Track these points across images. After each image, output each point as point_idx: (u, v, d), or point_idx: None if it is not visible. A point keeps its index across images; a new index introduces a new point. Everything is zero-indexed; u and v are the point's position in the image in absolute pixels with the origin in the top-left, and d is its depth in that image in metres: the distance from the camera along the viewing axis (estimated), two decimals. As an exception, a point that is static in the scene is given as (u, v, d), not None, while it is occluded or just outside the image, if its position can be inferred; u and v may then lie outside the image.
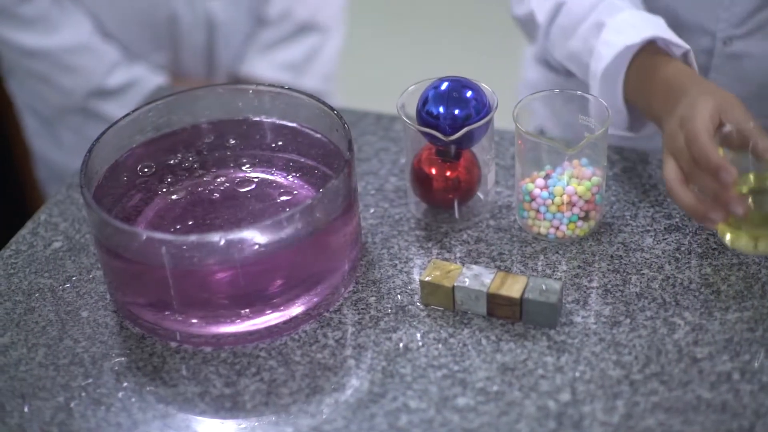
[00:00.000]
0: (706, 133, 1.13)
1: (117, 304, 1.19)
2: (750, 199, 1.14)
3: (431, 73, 1.29)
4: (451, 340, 1.13)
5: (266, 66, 2.02)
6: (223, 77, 2.01)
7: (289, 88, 1.27)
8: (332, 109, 1.21)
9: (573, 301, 1.16)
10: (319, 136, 1.25)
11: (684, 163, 1.15)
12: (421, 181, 1.26)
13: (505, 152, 1.39)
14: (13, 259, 1.27)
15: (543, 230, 1.23)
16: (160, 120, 1.27)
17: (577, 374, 1.08)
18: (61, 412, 1.09)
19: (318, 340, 1.14)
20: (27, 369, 1.13)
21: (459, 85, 1.20)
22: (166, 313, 1.14)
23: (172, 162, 1.25)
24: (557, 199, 1.21)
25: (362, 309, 1.17)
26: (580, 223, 1.22)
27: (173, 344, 1.15)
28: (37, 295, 1.22)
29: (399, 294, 1.19)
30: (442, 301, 1.16)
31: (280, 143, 1.26)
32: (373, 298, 1.19)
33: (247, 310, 1.13)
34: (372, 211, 1.30)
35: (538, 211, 1.22)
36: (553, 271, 1.20)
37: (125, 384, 1.11)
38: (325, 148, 1.24)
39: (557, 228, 1.23)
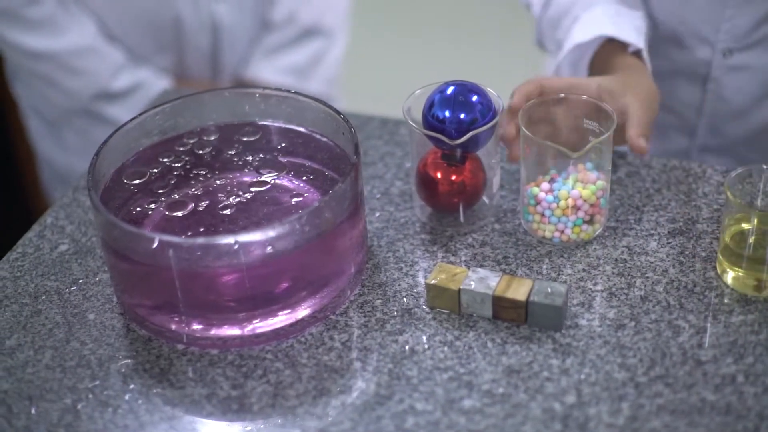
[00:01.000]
0: (527, 87, 1.25)
1: (123, 307, 1.19)
2: (752, 240, 1.15)
3: (436, 77, 1.30)
4: (457, 342, 1.13)
5: (271, 70, 2.02)
6: (227, 81, 2.02)
7: (295, 92, 1.27)
8: (339, 112, 1.22)
9: (578, 304, 1.16)
10: (325, 139, 1.26)
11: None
12: (427, 185, 1.26)
13: (510, 156, 1.39)
14: (20, 262, 1.28)
15: (548, 234, 1.23)
16: (167, 123, 1.28)
17: (583, 377, 1.09)
18: (68, 414, 1.09)
19: (324, 342, 1.15)
20: (34, 371, 1.14)
21: (465, 89, 1.21)
22: (173, 315, 1.14)
23: (178, 165, 1.25)
24: (562, 203, 1.21)
25: (368, 312, 1.18)
26: (584, 226, 1.23)
27: (180, 346, 1.15)
28: (43, 297, 1.22)
29: (405, 297, 1.19)
30: (448, 304, 1.16)
31: (286, 147, 1.27)
32: (379, 301, 1.19)
33: (254, 313, 1.13)
34: (377, 214, 1.31)
35: (543, 214, 1.23)
36: (558, 274, 1.21)
37: (132, 386, 1.12)
38: (331, 151, 1.24)
39: (562, 231, 1.23)
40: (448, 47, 3.57)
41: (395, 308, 1.18)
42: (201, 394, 1.10)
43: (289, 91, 1.28)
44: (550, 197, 1.22)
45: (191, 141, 1.28)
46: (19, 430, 1.08)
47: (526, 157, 1.23)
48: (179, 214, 1.19)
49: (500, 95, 1.22)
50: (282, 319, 1.14)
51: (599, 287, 1.18)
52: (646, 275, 1.19)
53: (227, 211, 1.19)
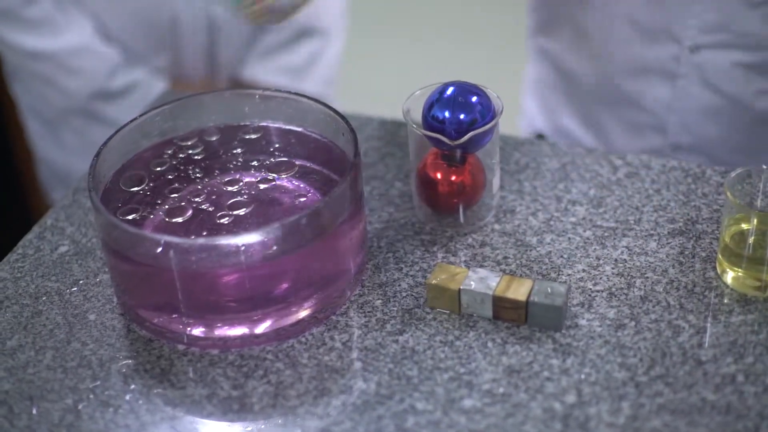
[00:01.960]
0: None
1: (124, 308, 1.20)
2: (751, 240, 1.15)
3: (436, 78, 1.30)
4: (457, 342, 1.14)
5: (267, 70, 2.02)
6: (224, 81, 2.02)
7: (295, 93, 1.27)
8: (338, 113, 1.22)
9: (578, 304, 1.17)
10: (325, 140, 1.26)
11: None
12: (427, 186, 1.26)
13: (510, 157, 1.39)
14: (20, 263, 1.28)
15: None
16: (166, 124, 1.28)
17: (583, 376, 1.09)
18: (69, 414, 1.09)
19: (325, 342, 1.15)
20: (35, 371, 1.14)
21: (464, 89, 1.21)
22: (174, 315, 1.14)
23: (178, 166, 1.25)
24: None
25: (368, 312, 1.18)
26: None
27: (180, 347, 1.15)
28: (44, 298, 1.23)
29: (405, 297, 1.19)
30: (448, 304, 1.17)
31: (286, 148, 1.27)
32: (380, 301, 1.19)
33: (255, 313, 1.13)
34: (377, 215, 1.31)
35: None
36: (558, 274, 1.21)
37: (133, 386, 1.12)
38: (331, 152, 1.24)
39: None
40: (447, 48, 3.57)
41: (395, 308, 1.18)
42: (202, 395, 1.10)
43: (289, 93, 1.28)
44: None
45: (191, 142, 1.28)
46: (21, 431, 1.08)
47: None
48: (179, 214, 1.19)
49: (499, 96, 1.23)
50: (282, 319, 1.14)
51: (599, 287, 1.19)
52: (646, 275, 1.20)
53: (227, 212, 1.19)
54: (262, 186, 1.22)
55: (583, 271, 1.21)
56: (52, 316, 1.20)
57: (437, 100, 1.21)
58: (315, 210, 1.11)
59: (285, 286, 1.14)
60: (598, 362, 1.10)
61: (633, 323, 1.14)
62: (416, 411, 1.07)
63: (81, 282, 1.24)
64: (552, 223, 1.28)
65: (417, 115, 1.23)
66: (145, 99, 1.89)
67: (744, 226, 1.17)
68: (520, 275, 1.21)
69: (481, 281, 1.16)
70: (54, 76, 1.91)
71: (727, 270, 1.17)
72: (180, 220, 1.18)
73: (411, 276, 1.22)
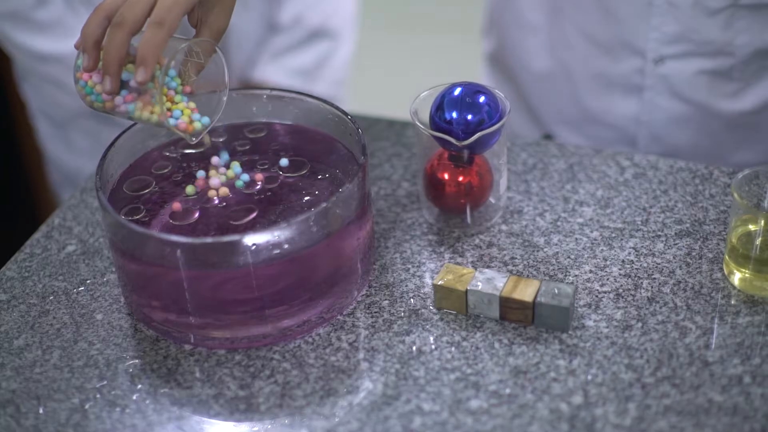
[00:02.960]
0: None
1: (131, 307, 1.20)
2: (759, 241, 1.15)
3: (444, 79, 1.30)
4: (464, 343, 1.14)
5: (278, 72, 2.03)
6: (234, 82, 2.02)
7: (303, 93, 1.27)
8: (346, 114, 1.22)
9: (585, 305, 1.16)
10: (333, 140, 1.26)
11: None
12: (434, 186, 1.26)
13: (517, 157, 1.39)
14: (28, 263, 1.28)
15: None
16: (174, 124, 1.28)
17: (589, 377, 1.09)
18: (76, 414, 1.09)
19: (332, 342, 1.15)
20: (42, 371, 1.14)
21: (472, 90, 1.21)
22: (181, 315, 1.14)
23: (185, 166, 1.25)
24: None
25: (375, 312, 1.18)
26: None
27: (187, 347, 1.16)
28: (51, 298, 1.23)
29: (412, 298, 1.19)
30: (455, 304, 1.17)
31: (293, 148, 1.27)
32: (386, 301, 1.19)
33: (261, 313, 1.13)
34: (385, 215, 1.31)
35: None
36: (565, 275, 1.21)
37: (140, 386, 1.12)
38: (339, 153, 1.24)
39: None
40: (455, 49, 3.57)
41: (402, 309, 1.18)
42: (208, 394, 1.10)
43: (296, 93, 1.28)
44: None
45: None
46: (28, 430, 1.08)
47: None
48: (187, 214, 1.19)
49: (506, 97, 1.23)
50: (289, 319, 1.14)
51: (606, 288, 1.18)
52: (653, 276, 1.19)
53: (234, 212, 1.19)
54: (269, 186, 1.22)
55: (590, 272, 1.21)
56: (59, 316, 1.20)
57: (445, 100, 1.21)
58: (322, 210, 1.11)
59: (292, 286, 1.14)
60: (604, 363, 1.10)
61: (640, 324, 1.14)
62: (423, 411, 1.07)
63: (88, 281, 1.25)
64: (559, 223, 1.28)
65: (424, 115, 1.23)
66: (155, 101, 1.89)
67: (751, 227, 1.16)
68: (527, 276, 1.21)
69: (488, 282, 1.16)
70: (64, 78, 1.91)
71: (735, 271, 1.17)
72: (185, 218, 1.18)
73: (418, 276, 1.22)
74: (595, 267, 1.21)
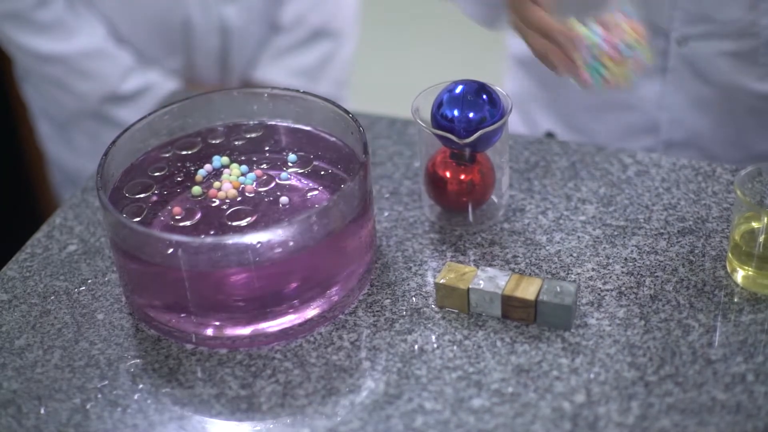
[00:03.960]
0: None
1: (132, 307, 1.19)
2: (762, 238, 1.14)
3: (445, 76, 1.30)
4: (466, 342, 1.13)
5: (280, 72, 2.02)
6: (236, 83, 2.02)
7: (304, 92, 1.27)
8: (347, 112, 1.22)
9: (587, 304, 1.16)
10: (333, 139, 1.26)
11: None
12: (436, 185, 1.26)
13: (519, 155, 1.39)
14: (29, 262, 1.28)
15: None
16: (175, 123, 1.28)
17: (592, 376, 1.08)
18: (78, 414, 1.09)
19: (333, 342, 1.15)
20: (43, 371, 1.14)
21: (473, 88, 1.21)
22: (182, 315, 1.14)
23: (186, 165, 1.25)
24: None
25: (377, 311, 1.18)
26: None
27: (189, 346, 1.15)
28: (52, 297, 1.23)
29: (414, 296, 1.19)
30: (457, 303, 1.16)
31: (294, 147, 1.27)
32: (388, 300, 1.19)
33: (263, 312, 1.13)
34: (386, 214, 1.31)
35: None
36: (568, 273, 1.20)
37: (141, 386, 1.12)
38: (340, 151, 1.24)
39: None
40: (456, 47, 3.57)
41: (404, 308, 1.18)
42: (210, 394, 1.10)
43: (297, 91, 1.28)
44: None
45: (199, 141, 1.28)
46: (29, 430, 1.08)
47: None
48: (188, 213, 1.18)
49: (508, 95, 1.22)
50: (291, 318, 1.14)
51: (609, 286, 1.18)
52: (656, 274, 1.19)
53: (236, 211, 1.18)
54: (270, 185, 1.21)
55: (593, 269, 1.20)
56: (60, 316, 1.20)
57: (446, 98, 1.21)
58: (324, 209, 1.10)
59: (293, 285, 1.14)
60: (607, 361, 1.10)
61: (642, 322, 1.13)
62: (425, 410, 1.06)
63: (89, 281, 1.24)
64: (561, 221, 1.28)
65: (426, 113, 1.23)
66: (157, 102, 1.89)
67: (754, 224, 1.16)
68: (530, 274, 1.21)
69: (490, 280, 1.15)
70: (66, 79, 1.92)
71: (738, 269, 1.17)
72: (186, 218, 1.18)
73: (420, 275, 1.22)
74: (598, 265, 1.21)
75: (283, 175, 1.22)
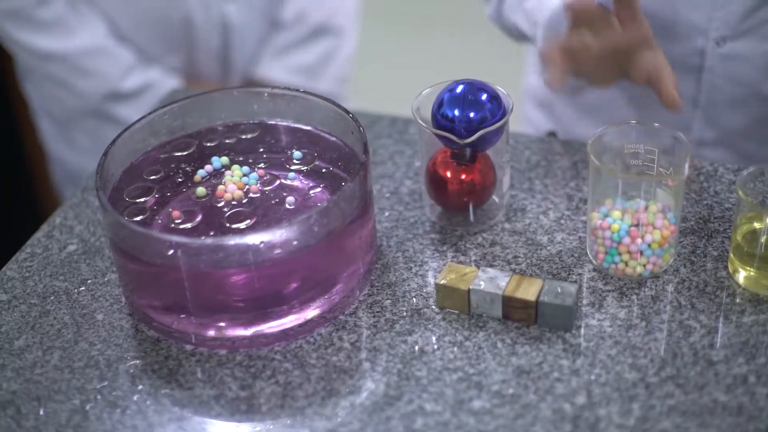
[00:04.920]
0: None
1: (132, 307, 1.19)
2: (763, 239, 1.14)
3: (446, 76, 1.29)
4: (467, 343, 1.13)
5: (280, 69, 2.02)
6: (237, 80, 2.01)
7: (304, 91, 1.27)
8: (347, 111, 1.22)
9: (588, 304, 1.16)
10: (334, 139, 1.25)
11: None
12: (436, 184, 1.26)
13: (520, 155, 1.38)
14: (29, 262, 1.27)
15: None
16: (175, 123, 1.28)
17: (593, 377, 1.08)
18: (77, 415, 1.09)
19: (333, 343, 1.14)
20: (42, 372, 1.13)
21: (474, 87, 1.20)
22: (182, 315, 1.14)
23: (186, 164, 1.25)
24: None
25: (377, 312, 1.17)
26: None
27: (188, 347, 1.15)
28: (52, 298, 1.22)
29: (414, 297, 1.19)
30: (458, 304, 1.16)
31: (294, 146, 1.26)
32: (389, 301, 1.18)
33: (263, 313, 1.13)
34: (387, 214, 1.30)
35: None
36: (568, 274, 1.20)
37: (140, 387, 1.11)
38: (340, 151, 1.24)
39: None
40: (457, 46, 3.56)
41: (404, 308, 1.17)
42: (210, 395, 1.10)
43: (297, 90, 1.27)
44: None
45: (199, 140, 1.28)
46: (28, 431, 1.07)
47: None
48: (188, 213, 1.18)
49: (510, 94, 1.22)
50: (291, 319, 1.14)
51: (610, 287, 1.18)
52: (657, 275, 1.19)
53: (236, 211, 1.18)
54: (270, 185, 1.21)
55: (594, 270, 1.20)
56: (59, 316, 1.20)
57: (447, 98, 1.20)
58: (324, 209, 1.10)
59: (293, 285, 1.14)
60: (608, 363, 1.09)
61: (644, 323, 1.13)
62: (425, 412, 1.06)
63: (89, 281, 1.24)
64: (563, 221, 1.27)
65: (427, 113, 1.22)
66: (158, 100, 1.89)
67: (756, 225, 1.16)
68: (531, 275, 1.20)
69: (490, 281, 1.15)
70: (66, 77, 1.91)
71: (739, 269, 1.16)
72: (186, 218, 1.17)
73: (420, 276, 1.21)
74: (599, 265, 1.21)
75: (291, 174, 1.22)
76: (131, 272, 1.16)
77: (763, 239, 1.14)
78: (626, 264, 1.17)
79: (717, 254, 1.21)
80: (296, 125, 1.28)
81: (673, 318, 1.13)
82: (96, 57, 1.89)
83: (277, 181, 1.21)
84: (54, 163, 2.13)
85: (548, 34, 1.36)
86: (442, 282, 1.16)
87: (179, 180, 1.23)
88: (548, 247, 1.24)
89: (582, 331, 1.13)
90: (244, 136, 1.28)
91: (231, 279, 1.12)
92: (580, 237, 1.25)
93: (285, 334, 1.14)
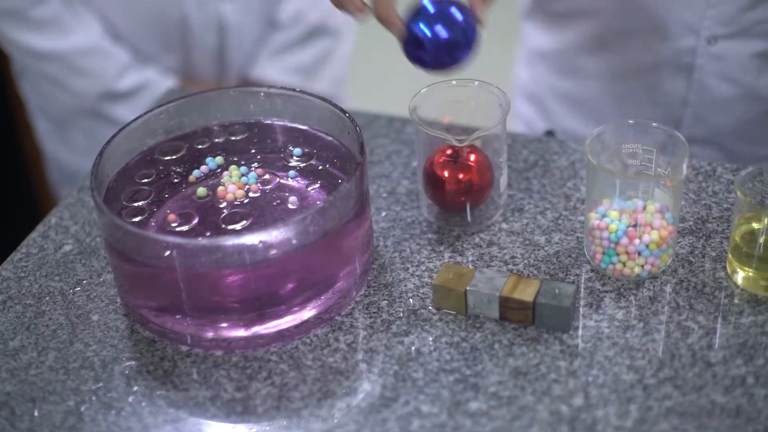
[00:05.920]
0: None
1: (127, 308, 1.19)
2: (762, 239, 1.14)
3: (442, 76, 1.28)
4: (464, 344, 1.12)
5: (277, 69, 2.02)
6: (234, 80, 2.01)
7: (300, 91, 1.26)
8: (344, 111, 1.21)
9: (586, 305, 1.15)
10: (330, 138, 1.25)
11: None
12: (434, 184, 1.25)
13: (518, 155, 1.38)
14: (24, 263, 1.27)
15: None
16: (171, 122, 1.27)
17: (590, 378, 1.07)
18: (72, 416, 1.08)
19: (329, 344, 1.14)
20: (37, 373, 1.13)
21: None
22: (177, 316, 1.13)
23: (182, 164, 1.24)
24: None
25: (374, 313, 1.17)
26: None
27: (184, 348, 1.14)
28: (47, 298, 1.22)
29: (411, 298, 1.18)
30: (455, 304, 1.15)
31: (291, 146, 1.26)
32: (385, 301, 1.18)
33: (259, 314, 1.12)
34: (384, 214, 1.30)
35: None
36: (566, 274, 1.19)
37: (136, 388, 1.11)
38: (336, 150, 1.23)
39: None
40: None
41: (401, 309, 1.17)
42: (205, 396, 1.09)
43: (294, 90, 1.27)
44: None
45: (196, 140, 1.27)
46: (22, 433, 1.07)
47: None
48: (183, 214, 1.18)
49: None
50: (287, 320, 1.13)
51: (607, 288, 1.17)
52: (655, 275, 1.18)
53: (232, 211, 1.17)
54: (266, 184, 1.20)
55: (592, 271, 1.20)
56: (55, 317, 1.19)
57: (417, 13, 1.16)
58: (320, 209, 1.09)
59: (289, 286, 1.13)
60: (606, 364, 1.09)
61: (641, 324, 1.13)
62: (421, 414, 1.06)
63: (84, 282, 1.24)
64: (560, 222, 1.27)
65: (424, 112, 1.22)
66: (154, 99, 1.88)
67: (755, 225, 1.15)
68: (528, 275, 1.20)
69: (487, 282, 1.14)
70: (62, 76, 1.91)
71: (738, 270, 1.16)
72: (182, 218, 1.17)
73: (417, 276, 1.21)
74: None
75: (291, 173, 1.22)
76: (127, 273, 1.16)
77: (761, 240, 1.14)
78: (624, 264, 1.17)
79: (715, 255, 1.20)
80: (293, 125, 1.28)
81: (671, 319, 1.13)
82: (92, 56, 1.89)
83: (276, 180, 1.21)
84: (51, 163, 2.12)
85: None
86: (439, 283, 1.15)
87: (175, 180, 1.22)
88: (546, 248, 1.23)
89: (579, 332, 1.13)
90: (240, 136, 1.28)
91: (227, 280, 1.12)
92: (577, 237, 1.24)
93: (281, 335, 1.14)
